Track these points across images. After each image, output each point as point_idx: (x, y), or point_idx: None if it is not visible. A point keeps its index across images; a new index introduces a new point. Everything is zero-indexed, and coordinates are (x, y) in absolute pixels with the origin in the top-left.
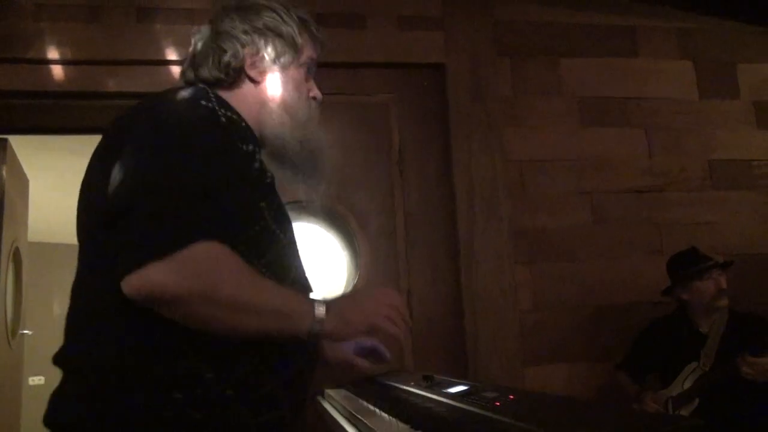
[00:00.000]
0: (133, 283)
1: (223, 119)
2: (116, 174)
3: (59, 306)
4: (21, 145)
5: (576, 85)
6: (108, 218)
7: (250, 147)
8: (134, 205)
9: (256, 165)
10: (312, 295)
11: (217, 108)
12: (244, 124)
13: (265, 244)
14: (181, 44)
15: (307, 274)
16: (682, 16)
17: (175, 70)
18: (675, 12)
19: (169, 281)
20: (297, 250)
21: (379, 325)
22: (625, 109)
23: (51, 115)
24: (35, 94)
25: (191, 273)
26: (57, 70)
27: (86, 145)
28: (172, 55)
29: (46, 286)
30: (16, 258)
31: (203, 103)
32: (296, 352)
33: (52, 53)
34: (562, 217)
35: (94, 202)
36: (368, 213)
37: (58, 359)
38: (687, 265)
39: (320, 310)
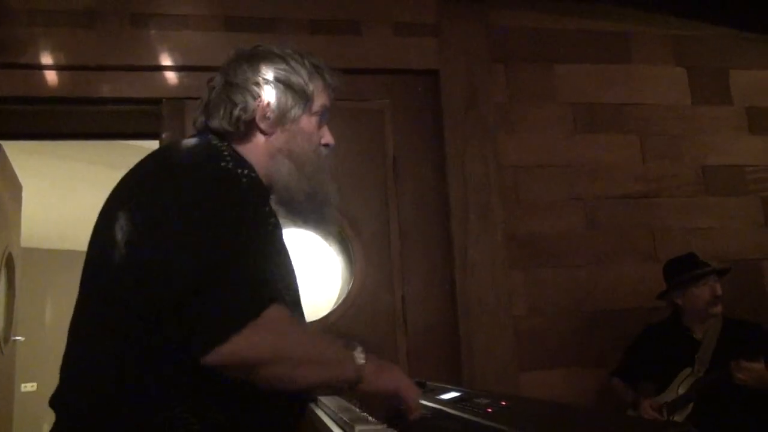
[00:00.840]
0: (225, 351)
1: (245, 180)
2: (171, 245)
3: (52, 312)
4: (14, 150)
5: (570, 91)
6: (169, 296)
7: (269, 208)
8: (207, 280)
9: (270, 226)
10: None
11: (237, 169)
12: (260, 180)
13: None
14: (175, 50)
15: (299, 300)
16: (675, 23)
17: (169, 76)
18: (668, 19)
19: (259, 346)
20: (299, 301)
21: (403, 392)
22: (619, 115)
23: (44, 120)
24: (29, 99)
25: (277, 334)
26: (50, 76)
27: (80, 150)
28: (166, 60)
29: (39, 293)
30: (9, 264)
31: (223, 164)
32: (284, 400)
33: (46, 58)
34: (556, 223)
35: (132, 260)
36: (363, 219)
37: (54, 402)
38: (684, 270)
39: (360, 357)
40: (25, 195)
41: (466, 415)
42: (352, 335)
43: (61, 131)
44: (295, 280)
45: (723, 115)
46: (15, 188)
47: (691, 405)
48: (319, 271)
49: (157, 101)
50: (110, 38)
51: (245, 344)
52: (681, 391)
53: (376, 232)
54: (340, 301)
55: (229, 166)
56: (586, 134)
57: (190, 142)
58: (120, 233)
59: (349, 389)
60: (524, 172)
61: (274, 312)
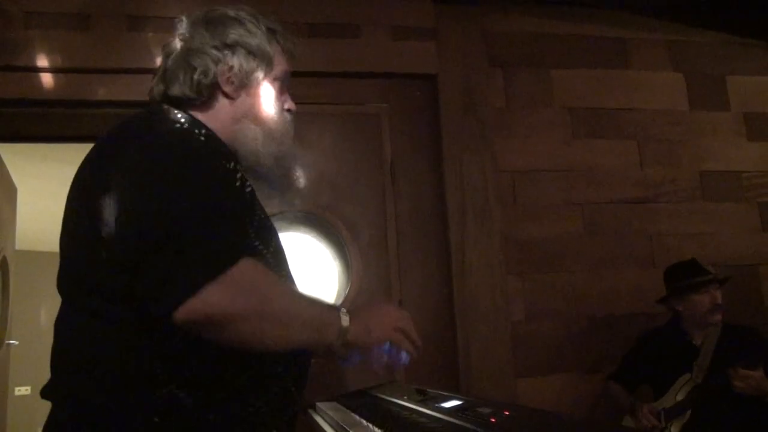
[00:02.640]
0: (192, 307)
1: (202, 138)
2: (124, 212)
3: (46, 315)
4: (9, 152)
5: (567, 96)
6: (129, 255)
7: (232, 164)
8: (166, 238)
9: (238, 182)
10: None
11: (194, 129)
12: (218, 138)
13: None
14: None
15: (295, 284)
16: (672, 29)
17: None
18: (665, 24)
19: (226, 301)
20: (283, 260)
21: (396, 339)
22: (617, 120)
23: (40, 123)
24: (24, 101)
25: (245, 290)
26: (46, 78)
27: (75, 153)
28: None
29: (34, 295)
30: (3, 267)
31: (177, 126)
32: (282, 373)
33: (42, 61)
34: (553, 228)
35: (92, 240)
36: (360, 223)
37: (46, 392)
38: (685, 276)
39: (345, 319)
40: (20, 197)
41: (469, 425)
42: None
43: (57, 134)
44: (278, 241)
45: (720, 120)
46: (10, 191)
47: (689, 412)
48: (316, 276)
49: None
50: (106, 41)
51: (213, 299)
52: (679, 397)
53: (373, 237)
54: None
55: (185, 127)
56: (584, 139)
57: (144, 112)
58: (83, 212)
59: (334, 351)
60: (522, 176)
61: (245, 266)
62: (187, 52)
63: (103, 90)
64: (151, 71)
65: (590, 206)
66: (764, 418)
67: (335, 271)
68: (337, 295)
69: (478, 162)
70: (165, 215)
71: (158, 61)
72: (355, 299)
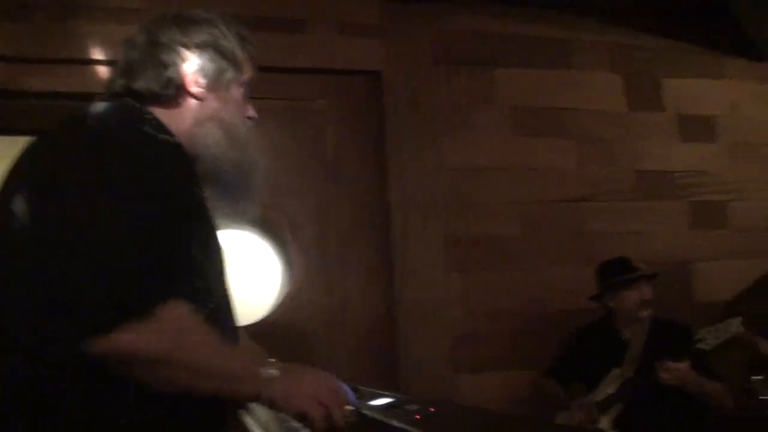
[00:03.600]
0: (105, 344)
1: (169, 149)
2: (55, 224)
3: None
4: None
5: (510, 95)
6: (55, 272)
7: (189, 172)
8: (91, 264)
9: (192, 193)
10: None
11: (160, 135)
12: (182, 148)
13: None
14: (109, 44)
15: (230, 300)
16: (612, 31)
17: (102, 70)
18: (606, 26)
19: (140, 342)
20: (222, 273)
21: (312, 414)
22: (557, 120)
23: None
24: None
25: (163, 334)
26: None
27: (7, 146)
28: (99, 54)
29: None
30: None
31: (146, 129)
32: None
33: None
34: (496, 226)
35: (23, 249)
36: (301, 220)
37: None
38: (615, 273)
39: (266, 379)
40: None
41: (394, 422)
42: (289, 338)
43: None
44: (224, 272)
45: (656, 121)
46: None
47: (620, 404)
48: (257, 273)
49: (88, 96)
50: (42, 30)
51: (128, 339)
52: (610, 390)
53: (314, 234)
54: (277, 304)
55: (151, 132)
56: (526, 138)
57: (105, 105)
58: (18, 211)
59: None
60: (465, 175)
61: (172, 310)
62: (155, 47)
63: (38, 80)
64: (87, 61)
65: (532, 204)
66: (689, 407)
67: (277, 269)
68: (279, 293)
69: (422, 160)
70: (111, 236)
71: (95, 51)
72: (296, 297)
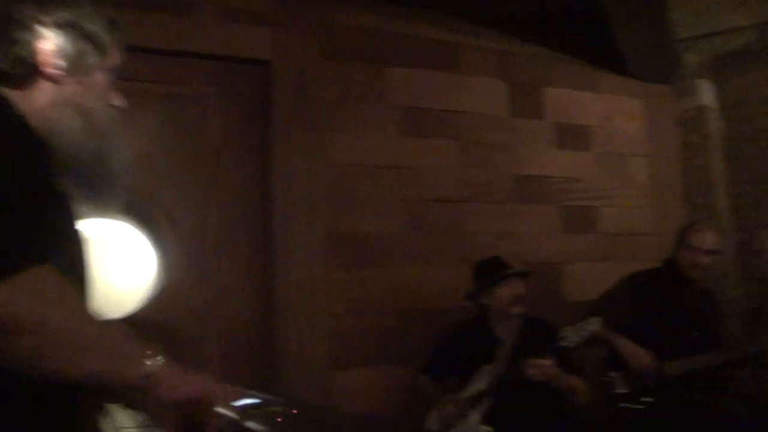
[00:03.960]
0: None
1: (13, 122)
2: None
3: None
4: None
5: (399, 95)
6: None
7: (41, 154)
8: None
9: (45, 175)
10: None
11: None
12: (32, 128)
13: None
14: None
15: (90, 294)
16: (499, 39)
17: None
18: (494, 34)
19: (4, 306)
20: (81, 264)
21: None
22: (443, 122)
23: None
24: None
25: (26, 301)
26: None
27: None
28: None
29: None
30: None
31: None
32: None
33: None
34: (379, 223)
35: None
36: (179, 210)
37: None
38: (489, 271)
39: (157, 361)
40: None
41: (253, 424)
42: (159, 333)
43: None
44: (84, 263)
45: (536, 128)
46: None
47: (490, 399)
48: (128, 264)
49: None
50: None
51: None
52: (481, 386)
53: (194, 224)
54: (148, 297)
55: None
56: (412, 137)
57: None
58: None
59: (133, 396)
60: (351, 171)
61: (36, 274)
62: (6, 21)
63: None
64: None
65: (415, 203)
66: (556, 402)
67: (149, 261)
68: (154, 283)
69: (308, 154)
70: None
71: None
72: (169, 290)
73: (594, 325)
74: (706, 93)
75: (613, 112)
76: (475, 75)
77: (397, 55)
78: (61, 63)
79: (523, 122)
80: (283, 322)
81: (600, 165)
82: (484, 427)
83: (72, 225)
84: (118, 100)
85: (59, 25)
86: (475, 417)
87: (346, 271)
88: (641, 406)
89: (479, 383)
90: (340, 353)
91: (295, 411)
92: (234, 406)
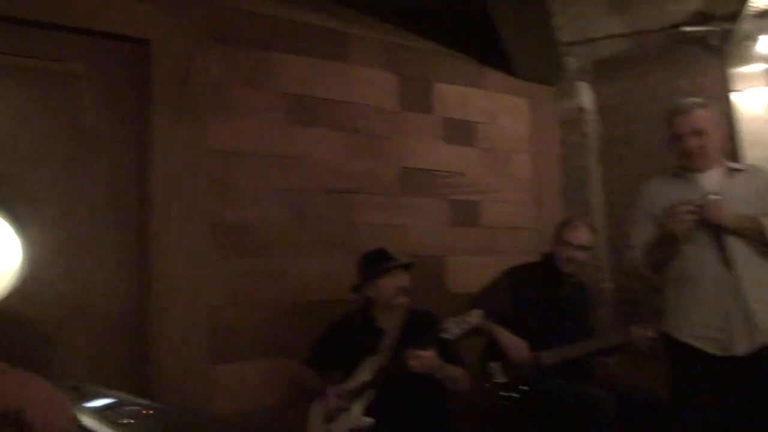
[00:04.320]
0: None
1: None
2: None
3: None
4: None
5: (286, 82)
6: None
7: None
8: None
9: None
10: None
11: None
12: None
13: None
14: None
15: None
16: (391, 31)
17: None
18: (385, 26)
19: None
20: None
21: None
22: (331, 111)
23: None
24: None
25: None
26: None
27: None
28: None
29: None
30: None
31: None
32: None
33: None
34: (263, 213)
35: None
36: (45, 197)
37: None
38: (373, 263)
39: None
40: None
41: (102, 427)
42: (22, 328)
43: None
44: None
45: (424, 122)
46: None
47: (373, 391)
48: None
49: None
50: None
51: None
52: (365, 378)
53: (60, 212)
54: (9, 288)
55: None
56: (299, 126)
57: None
58: None
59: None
60: (234, 158)
61: None
62: None
63: None
64: None
65: (301, 193)
66: (435, 392)
67: (10, 249)
68: (16, 274)
69: (189, 139)
70: None
71: None
72: (33, 282)
73: (475, 317)
74: (585, 95)
75: (498, 109)
76: (365, 66)
77: (284, 41)
78: None
79: (411, 115)
80: (159, 315)
81: (485, 161)
82: (367, 419)
83: None
84: None
85: None
86: (357, 409)
87: (228, 262)
88: (518, 395)
89: (362, 375)
90: (220, 346)
91: (151, 412)
92: (86, 407)
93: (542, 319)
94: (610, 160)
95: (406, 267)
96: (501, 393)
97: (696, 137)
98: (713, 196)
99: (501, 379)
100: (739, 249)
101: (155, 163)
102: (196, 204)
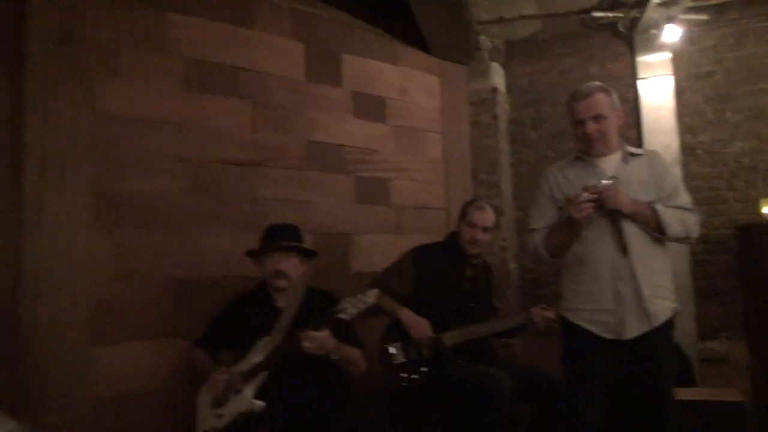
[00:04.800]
0: None
1: None
2: None
3: None
4: None
5: (184, 45)
6: None
7: None
8: None
9: None
10: None
11: None
12: None
13: None
14: None
15: None
16: None
17: None
18: None
19: None
20: None
21: None
22: (234, 79)
23: None
24: None
25: None
26: None
27: None
28: None
29: None
30: None
31: None
32: None
33: None
34: (157, 184)
35: None
36: None
37: None
38: (264, 238)
39: None
40: None
41: None
42: None
43: None
44: None
45: (333, 95)
46: None
47: (265, 373)
48: None
49: None
50: None
51: None
52: (257, 359)
53: None
54: None
55: None
56: (198, 93)
57: None
58: None
59: None
60: (125, 124)
61: None
62: None
63: None
64: None
65: (198, 164)
66: (331, 373)
67: None
68: None
69: (72, 101)
70: None
71: None
72: None
73: (371, 297)
74: (497, 76)
75: (410, 86)
76: (271, 33)
77: (182, 1)
78: None
79: (320, 88)
80: (33, 292)
81: (395, 138)
82: (258, 402)
83: None
84: None
85: None
86: (248, 392)
87: (114, 236)
88: (418, 376)
89: (256, 356)
90: (103, 326)
91: None
92: None
93: (445, 300)
94: (520, 142)
95: (289, 249)
96: (401, 374)
97: (595, 122)
98: (606, 182)
99: (402, 360)
100: (634, 235)
101: (31, 126)
102: (79, 172)
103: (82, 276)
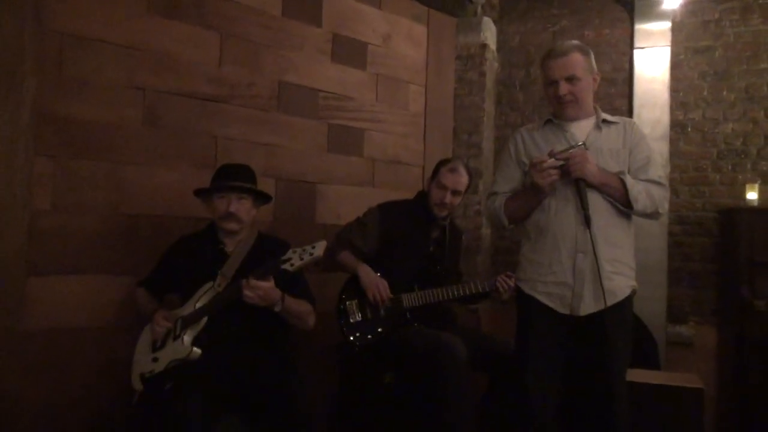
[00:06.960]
0: None
1: None
2: None
3: None
4: None
5: None
6: None
7: None
8: None
9: None
10: None
11: None
12: None
13: None
14: None
15: None
16: None
17: None
18: None
19: None
20: None
21: None
22: (201, 7)
23: None
24: None
25: None
26: None
27: None
28: None
29: None
30: None
31: None
32: None
33: None
34: (106, 110)
35: None
36: None
37: None
38: (216, 177)
39: None
40: None
41: None
42: None
43: None
44: None
45: (310, 35)
46: None
47: (205, 319)
48: None
49: None
50: None
51: None
52: (199, 305)
53: None
54: None
55: None
56: (162, 18)
57: None
58: None
59: None
60: (74, 42)
61: None
62: None
63: None
64: None
65: (155, 94)
66: (272, 325)
67: None
68: None
69: (15, 11)
70: None
71: None
72: None
73: (318, 249)
74: (489, 32)
75: (394, 33)
76: None
77: None
78: None
79: (296, 25)
80: None
81: (374, 86)
82: (195, 350)
83: None
84: None
85: None
86: (187, 338)
87: (58, 161)
88: (371, 336)
89: (198, 301)
90: (39, 257)
91: None
92: None
93: (408, 261)
94: (506, 104)
95: (243, 191)
96: (355, 333)
97: (568, 83)
98: (575, 149)
99: (357, 319)
100: (598, 206)
101: None
102: (20, 91)
103: (19, 202)
